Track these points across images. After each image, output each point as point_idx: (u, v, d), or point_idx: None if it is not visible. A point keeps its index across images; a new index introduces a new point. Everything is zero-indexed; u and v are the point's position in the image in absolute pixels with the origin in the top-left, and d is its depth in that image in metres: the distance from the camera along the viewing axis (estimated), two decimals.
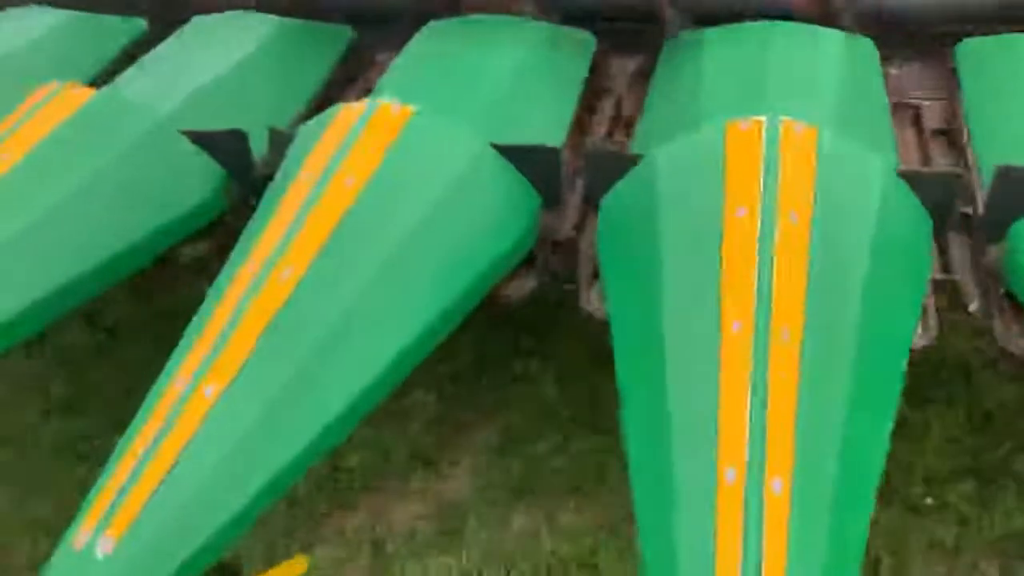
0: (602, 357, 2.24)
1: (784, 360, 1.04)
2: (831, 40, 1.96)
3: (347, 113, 1.56)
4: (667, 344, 1.13)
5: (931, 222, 1.44)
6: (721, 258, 1.18)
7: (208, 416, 1.07)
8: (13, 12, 2.48)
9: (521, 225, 1.59)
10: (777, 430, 0.97)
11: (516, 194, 1.59)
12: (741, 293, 1.12)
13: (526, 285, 1.65)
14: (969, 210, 1.57)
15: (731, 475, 0.95)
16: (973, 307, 1.49)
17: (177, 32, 2.30)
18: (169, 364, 1.18)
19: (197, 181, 1.79)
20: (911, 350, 1.26)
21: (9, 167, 1.59)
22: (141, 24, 2.53)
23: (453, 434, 2.18)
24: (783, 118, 1.38)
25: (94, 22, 2.49)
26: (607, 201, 1.56)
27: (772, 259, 1.15)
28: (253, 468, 1.06)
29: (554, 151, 1.64)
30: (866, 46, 2.00)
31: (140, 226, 1.67)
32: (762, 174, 1.28)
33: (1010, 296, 1.44)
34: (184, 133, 1.80)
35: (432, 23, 2.25)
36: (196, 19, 2.35)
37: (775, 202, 1.24)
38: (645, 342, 1.18)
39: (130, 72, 2.12)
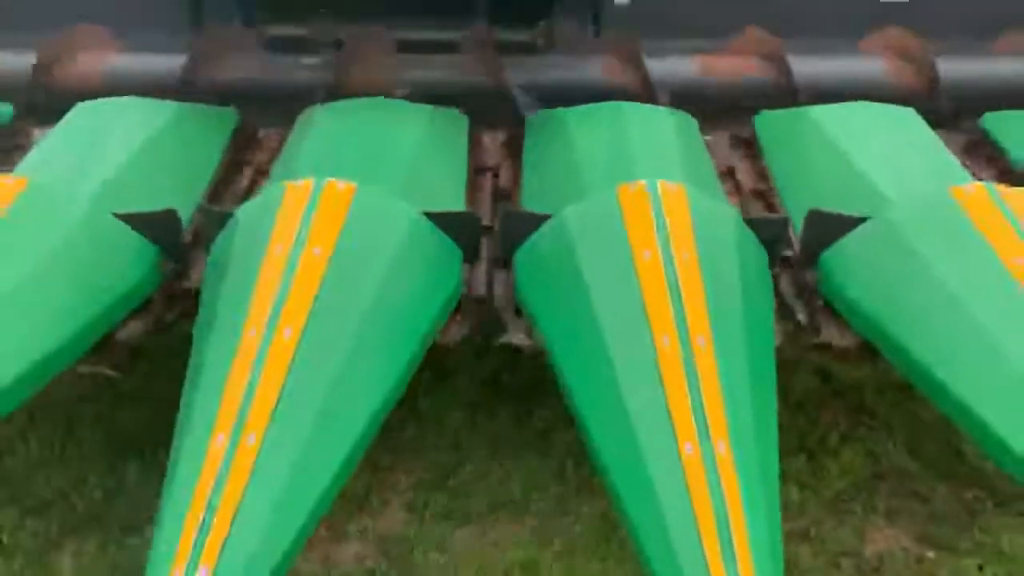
0: (492, 386, 2.59)
1: (704, 361, 1.41)
2: (664, 116, 2.43)
3: (297, 190, 1.76)
4: (616, 364, 1.45)
5: (767, 255, 1.89)
6: (641, 291, 1.54)
7: (257, 461, 1.26)
8: None
9: (453, 279, 1.87)
10: (713, 410, 1.33)
11: (446, 253, 1.87)
12: (663, 316, 1.48)
13: (459, 332, 1.92)
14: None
15: (689, 447, 1.29)
16: (801, 318, 1.97)
17: (67, 117, 2.35)
18: (196, 418, 1.34)
19: (133, 261, 1.90)
20: None
21: None
22: (8, 109, 2.55)
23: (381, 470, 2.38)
24: (659, 180, 1.79)
25: None
26: (522, 253, 1.88)
27: (679, 288, 1.53)
28: (305, 487, 1.27)
29: (474, 215, 1.95)
30: (688, 119, 2.50)
31: (86, 311, 1.72)
32: (655, 224, 1.67)
33: (828, 305, 1.93)
34: (118, 216, 1.90)
35: (317, 106, 2.48)
36: (80, 105, 2.41)
37: (669, 244, 1.62)
38: (593, 366, 1.49)
39: (33, 157, 2.16)
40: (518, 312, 1.92)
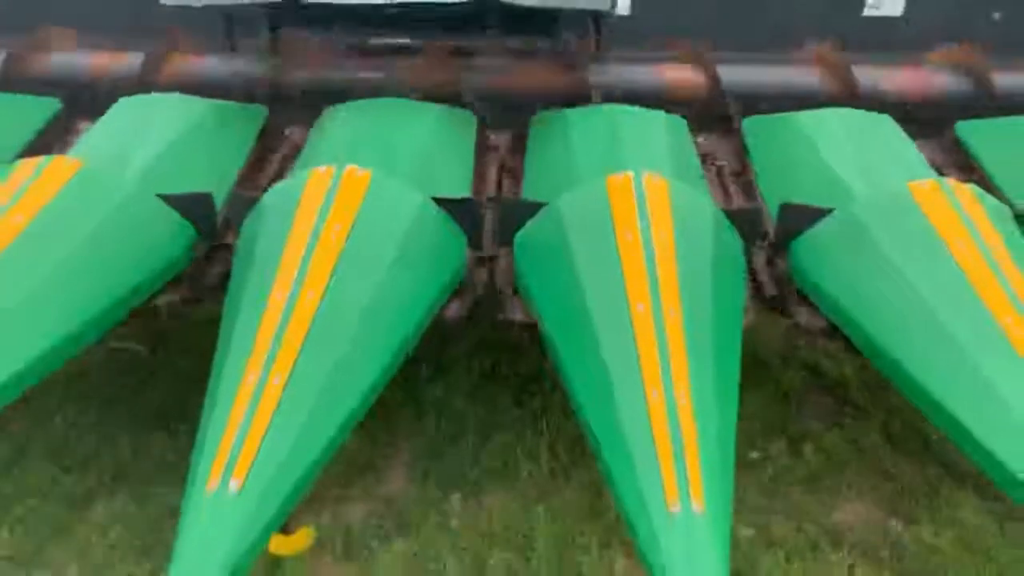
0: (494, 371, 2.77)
1: (673, 326, 1.61)
2: (656, 117, 2.64)
3: (320, 176, 1.98)
4: (596, 323, 1.65)
5: (742, 241, 2.09)
6: (621, 265, 1.74)
7: (282, 397, 1.47)
8: None
9: (457, 258, 2.07)
10: (677, 365, 1.53)
11: (451, 235, 2.08)
12: (639, 286, 1.68)
13: (460, 308, 2.12)
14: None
15: (655, 394, 1.49)
16: (770, 293, 2.16)
17: (110, 111, 2.59)
18: (229, 363, 1.55)
19: (172, 237, 2.12)
20: None
21: (14, 238, 1.81)
22: (56, 104, 2.79)
23: (386, 443, 2.59)
24: (644, 171, 1.99)
25: (12, 101, 2.72)
26: (522, 236, 2.09)
27: (655, 263, 1.73)
28: (329, 414, 1.49)
29: (477, 201, 2.16)
30: (680, 121, 2.70)
31: (125, 282, 1.93)
32: (637, 209, 1.88)
33: (797, 290, 2.12)
34: (160, 196, 2.12)
35: (337, 105, 2.70)
36: (123, 100, 2.65)
37: (649, 227, 1.82)
38: (578, 325, 1.70)
39: (85, 143, 2.39)
40: (515, 292, 2.13)
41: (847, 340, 1.99)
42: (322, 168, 2.02)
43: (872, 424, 2.79)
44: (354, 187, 1.96)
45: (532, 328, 1.99)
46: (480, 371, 2.89)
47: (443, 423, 2.66)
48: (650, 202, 1.90)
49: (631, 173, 1.99)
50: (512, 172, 2.65)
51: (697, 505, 1.34)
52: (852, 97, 2.76)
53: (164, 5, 2.80)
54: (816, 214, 2.06)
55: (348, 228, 1.84)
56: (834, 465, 2.61)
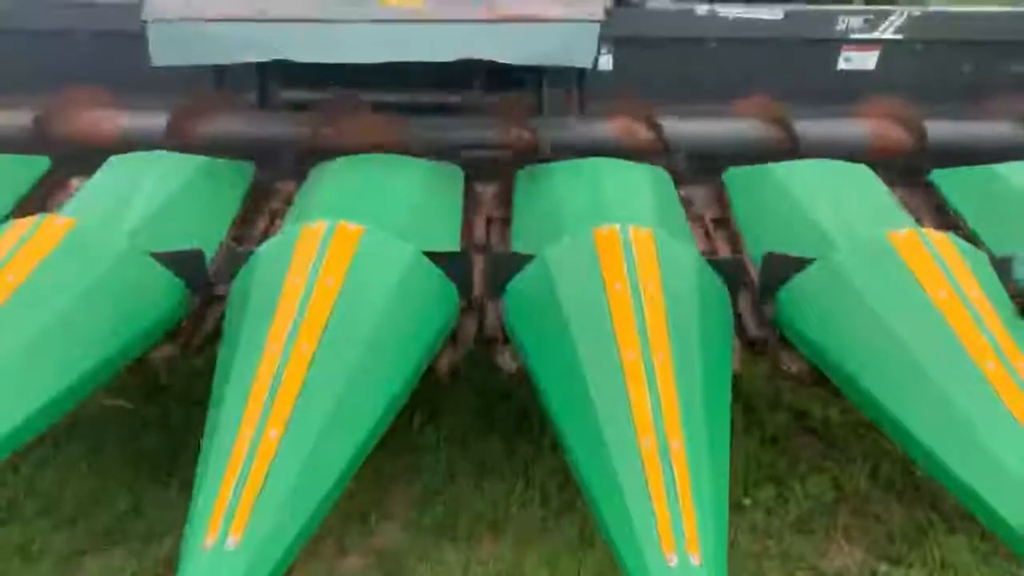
0: (486, 418, 2.79)
1: (663, 373, 1.65)
2: (639, 170, 2.71)
3: (312, 231, 2.01)
4: (587, 372, 1.68)
5: (727, 289, 2.13)
6: (611, 315, 1.78)
7: (277, 451, 1.48)
8: None
9: (448, 309, 2.10)
10: (668, 412, 1.56)
11: (442, 287, 2.11)
12: (629, 335, 1.72)
13: (452, 358, 2.15)
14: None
15: (647, 442, 1.51)
16: (753, 334, 2.20)
17: (102, 168, 2.62)
18: (224, 416, 1.57)
19: (163, 295, 2.14)
20: None
21: (7, 297, 1.82)
22: (45, 162, 2.82)
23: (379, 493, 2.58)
24: (630, 225, 2.05)
25: (2, 160, 2.75)
26: (512, 287, 2.13)
27: (644, 313, 1.77)
28: (325, 467, 1.50)
29: (467, 255, 2.20)
30: (662, 173, 2.77)
31: (119, 338, 1.94)
32: (624, 260, 1.92)
33: (782, 336, 2.17)
34: (151, 254, 2.14)
35: (326, 161, 2.75)
36: (114, 158, 2.68)
37: (637, 277, 1.87)
38: (568, 375, 1.73)
39: (76, 201, 2.42)
40: (506, 341, 2.16)
41: (830, 384, 2.03)
42: (314, 223, 2.06)
43: (859, 467, 2.81)
44: (346, 241, 2.00)
45: (522, 376, 2.02)
46: (470, 419, 2.90)
47: (435, 471, 2.66)
48: (637, 253, 1.95)
49: (617, 226, 2.04)
50: (499, 224, 2.71)
51: (694, 557, 1.36)
52: (794, 148, 2.85)
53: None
54: (799, 263, 2.12)
55: (341, 282, 1.88)
56: (823, 509, 2.62)
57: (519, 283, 2.12)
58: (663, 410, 1.57)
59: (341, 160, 2.73)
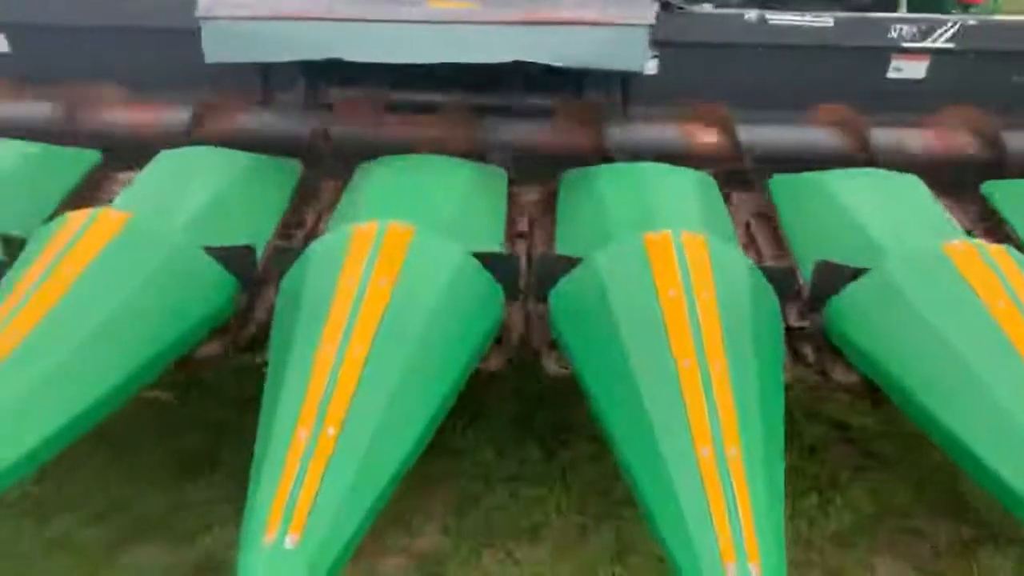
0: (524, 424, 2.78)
1: (720, 381, 1.63)
2: (685, 175, 2.69)
3: (364, 231, 2.02)
4: (641, 379, 1.67)
5: (777, 298, 2.11)
6: (664, 322, 1.77)
7: (334, 450, 1.48)
8: None
9: (496, 311, 2.10)
10: (726, 421, 1.55)
11: (489, 289, 2.11)
12: (684, 343, 1.70)
13: (500, 359, 2.14)
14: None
15: (705, 451, 1.50)
16: (810, 357, 2.17)
17: (152, 163, 2.64)
18: (280, 415, 1.57)
19: (215, 290, 2.15)
20: None
21: (65, 290, 1.84)
22: (96, 156, 2.85)
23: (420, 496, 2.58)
24: (682, 230, 2.03)
25: (55, 153, 2.78)
26: (558, 291, 2.12)
27: (699, 320, 1.76)
28: (381, 466, 1.51)
29: (515, 257, 2.19)
30: (708, 178, 2.74)
31: (172, 333, 1.96)
32: (678, 267, 1.91)
33: (832, 346, 2.14)
34: (204, 248, 2.14)
35: (371, 161, 2.76)
36: (164, 152, 2.71)
37: (691, 284, 1.85)
38: (621, 380, 1.71)
39: (129, 195, 2.44)
40: (552, 344, 2.15)
41: (877, 396, 2.00)
42: (364, 224, 2.06)
43: (902, 480, 2.78)
44: (397, 242, 2.00)
45: (563, 380, 2.00)
46: (509, 424, 2.89)
47: (473, 476, 2.66)
48: (690, 259, 1.94)
49: (669, 231, 2.02)
50: (542, 227, 2.70)
51: (755, 568, 1.34)
52: (869, 157, 2.82)
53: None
54: (853, 273, 2.09)
55: (393, 283, 1.88)
56: (864, 521, 2.60)
57: (566, 286, 2.11)
58: (720, 419, 1.56)
59: (386, 160, 2.74)
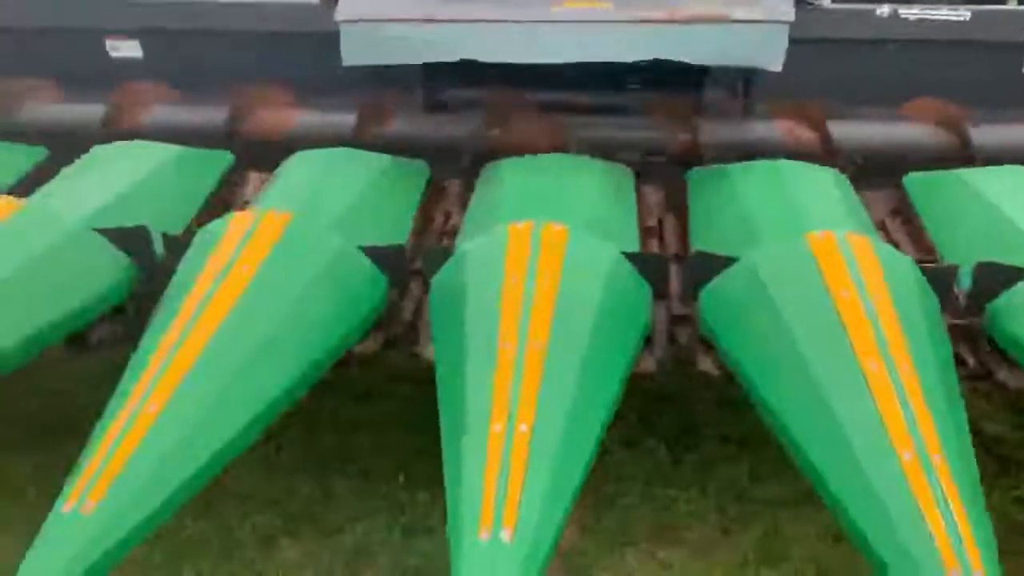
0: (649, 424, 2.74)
1: (910, 385, 1.59)
2: (821, 172, 2.63)
3: (519, 231, 2.02)
4: (824, 384, 1.64)
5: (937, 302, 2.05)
6: (843, 324, 1.73)
7: (531, 445, 1.50)
8: None
9: (645, 309, 2.08)
10: (924, 426, 1.52)
11: (641, 289, 2.10)
12: (867, 345, 1.67)
13: (650, 361, 2.13)
14: None
15: (907, 455, 1.47)
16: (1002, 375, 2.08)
17: (289, 163, 2.71)
18: (470, 414, 1.59)
19: (370, 288, 2.18)
20: None
21: (243, 289, 1.89)
22: (229, 157, 2.94)
23: None
24: (845, 231, 2.00)
25: (192, 155, 2.85)
26: (712, 290, 2.09)
27: (879, 322, 1.72)
28: (574, 458, 1.53)
29: (664, 257, 2.23)
30: (840, 176, 2.69)
31: (336, 333, 1.99)
32: (847, 267, 1.88)
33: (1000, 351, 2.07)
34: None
35: (498, 161, 2.77)
36: (300, 153, 2.76)
37: (864, 285, 1.82)
38: (800, 384, 1.69)
39: (272, 196, 2.51)
40: (705, 344, 2.13)
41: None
42: (519, 224, 2.08)
43: None
44: (554, 241, 2.01)
45: (687, 377, 2.00)
46: (635, 423, 2.88)
47: (607, 475, 2.66)
48: (859, 259, 1.91)
49: (833, 232, 2.00)
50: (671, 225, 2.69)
51: (974, 562, 1.32)
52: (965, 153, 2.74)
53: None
54: (1020, 273, 2.03)
55: (558, 280, 1.89)
56: (1014, 527, 2.52)
57: (720, 286, 2.10)
58: (918, 422, 1.53)
59: (516, 160, 2.76)
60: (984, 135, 2.82)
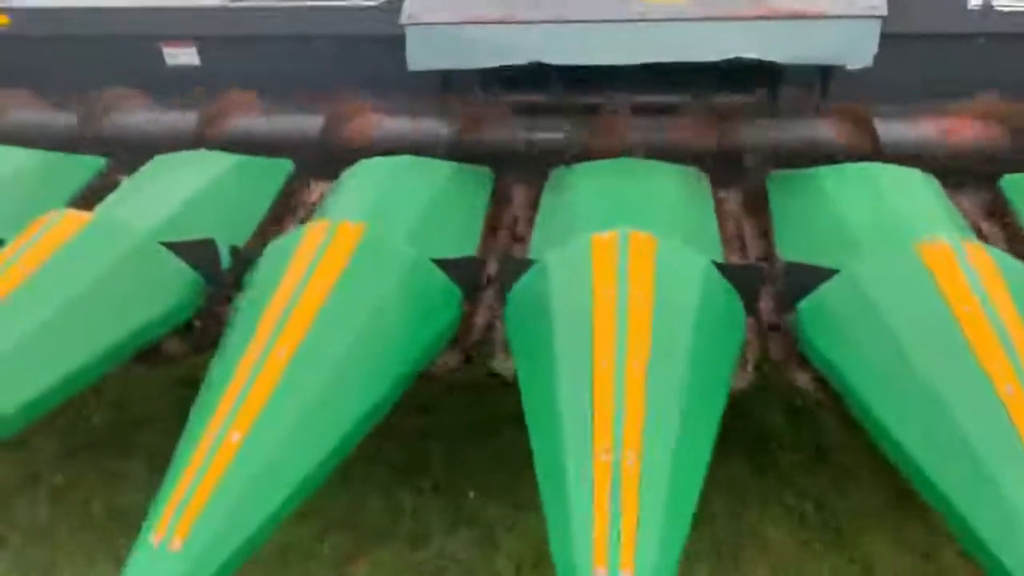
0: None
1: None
2: (913, 175, 2.48)
3: (605, 241, 1.92)
4: (952, 402, 1.54)
5: None
6: (967, 338, 1.62)
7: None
8: None
9: (740, 322, 1.97)
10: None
11: (734, 300, 1.98)
12: (996, 359, 1.56)
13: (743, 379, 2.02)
14: None
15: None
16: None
17: (353, 171, 2.63)
18: (572, 435, 1.50)
19: (444, 302, 2.10)
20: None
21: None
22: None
23: None
24: (960, 239, 1.88)
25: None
26: (810, 302, 1.98)
27: (1008, 334, 1.61)
28: (685, 487, 1.47)
29: (759, 268, 2.08)
30: (932, 179, 2.53)
31: (416, 348, 1.93)
32: (967, 279, 1.75)
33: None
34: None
35: (566, 167, 2.67)
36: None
37: (988, 297, 1.69)
38: (921, 401, 1.59)
39: (338, 205, 2.43)
40: (799, 358, 2.01)
41: None
42: (604, 234, 1.98)
43: None
44: (643, 250, 1.90)
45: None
46: None
47: None
48: (978, 269, 1.78)
49: (947, 241, 1.87)
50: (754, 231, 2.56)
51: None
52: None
53: None
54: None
55: (651, 293, 1.79)
56: None
57: (823, 300, 1.97)
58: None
59: (587, 165, 2.65)
60: None
